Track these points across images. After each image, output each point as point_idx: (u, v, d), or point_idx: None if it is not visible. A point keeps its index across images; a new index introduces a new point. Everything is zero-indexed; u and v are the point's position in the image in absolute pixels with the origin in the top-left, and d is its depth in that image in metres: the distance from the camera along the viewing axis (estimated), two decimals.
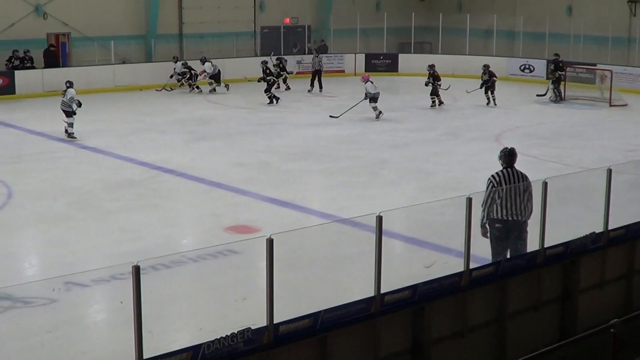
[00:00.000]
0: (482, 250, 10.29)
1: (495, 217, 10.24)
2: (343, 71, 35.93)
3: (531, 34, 35.80)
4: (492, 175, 10.44)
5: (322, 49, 36.61)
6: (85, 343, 9.68)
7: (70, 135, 21.51)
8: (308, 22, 38.31)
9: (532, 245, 10.09)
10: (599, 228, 10.54)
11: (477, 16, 36.59)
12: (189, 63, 30.95)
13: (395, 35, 38.58)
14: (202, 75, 30.53)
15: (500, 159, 10.58)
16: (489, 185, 10.35)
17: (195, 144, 21.32)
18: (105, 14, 32.74)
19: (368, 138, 22.21)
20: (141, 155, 19.58)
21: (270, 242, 7.28)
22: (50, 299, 10.34)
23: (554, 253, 9.94)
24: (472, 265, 9.12)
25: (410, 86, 29.58)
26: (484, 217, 10.26)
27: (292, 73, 34.63)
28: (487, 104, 27.44)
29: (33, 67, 30.22)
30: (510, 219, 10.22)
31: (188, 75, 30.58)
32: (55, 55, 31.53)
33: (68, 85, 21.72)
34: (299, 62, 35.53)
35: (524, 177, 10.47)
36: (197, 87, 30.64)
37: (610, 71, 28.84)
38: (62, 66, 31.41)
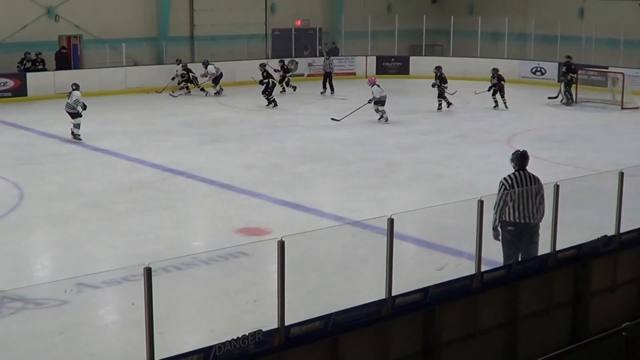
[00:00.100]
0: (494, 253, 10.28)
1: (508, 220, 10.22)
2: (354, 73, 35.89)
3: (543, 37, 35.71)
4: (505, 178, 10.42)
5: (333, 51, 36.60)
6: (97, 344, 9.70)
7: (75, 136, 21.59)
8: (319, 25, 38.29)
9: (544, 248, 10.08)
10: (610, 231, 10.51)
11: (488, 19, 36.53)
12: (188, 65, 30.94)
13: (406, 38, 38.52)
14: (206, 77, 30.50)
15: (512, 161, 10.57)
16: (501, 187, 10.33)
17: (207, 146, 21.35)
18: (117, 16, 32.80)
19: (379, 140, 22.19)
20: (153, 157, 19.61)
21: (281, 245, 7.29)
22: (62, 300, 10.38)
23: (566, 256, 9.92)
24: (483, 268, 9.11)
25: (422, 89, 29.53)
26: (496, 219, 10.24)
27: (303, 75, 34.78)
28: (494, 107, 27.37)
29: (45, 69, 30.30)
30: (522, 221, 10.20)
31: (186, 78, 30.58)
32: (67, 57, 31.62)
33: (74, 87, 21.85)
34: (310, 65, 35.54)
35: (536, 180, 10.45)
36: (202, 90, 30.67)
37: (622, 74, 28.73)
38: (74, 68, 31.52)
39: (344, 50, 37.64)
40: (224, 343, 7.02)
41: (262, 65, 28.37)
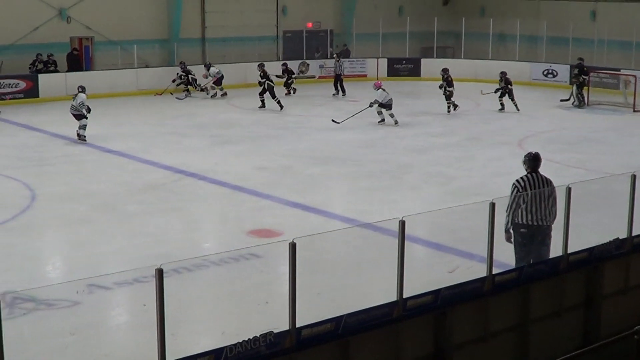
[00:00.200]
0: (505, 256, 10.27)
1: (520, 222, 10.20)
2: (365, 75, 35.85)
3: (554, 39, 35.60)
4: (517, 180, 10.40)
5: (345, 53, 36.62)
6: (108, 345, 9.71)
7: (81, 137, 21.67)
8: (330, 27, 38.30)
9: (556, 251, 10.06)
10: (622, 234, 10.48)
11: (499, 21, 36.48)
12: (188, 67, 30.95)
13: (417, 40, 38.50)
14: (208, 79, 30.52)
15: (524, 163, 10.55)
16: (513, 190, 10.32)
17: (218, 148, 21.37)
18: (129, 18, 32.88)
19: (390, 142, 22.18)
20: (164, 159, 19.65)
21: (293, 246, 7.29)
22: (74, 301, 10.41)
23: (578, 259, 9.91)
24: (494, 271, 9.09)
25: (433, 91, 29.41)
26: (508, 222, 10.23)
27: (314, 77, 34.81)
28: (500, 109, 27.29)
29: (56, 71, 30.40)
30: (535, 223, 10.18)
31: (185, 80, 30.60)
32: (79, 59, 31.71)
33: (80, 90, 21.99)
34: (321, 67, 35.56)
35: (548, 182, 10.43)
36: (202, 90, 30.76)
37: (634, 76, 28.63)
38: (85, 70, 31.61)
39: (355, 52, 37.63)
40: (235, 344, 7.03)
41: (260, 66, 28.28)
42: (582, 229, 10.72)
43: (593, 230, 11.83)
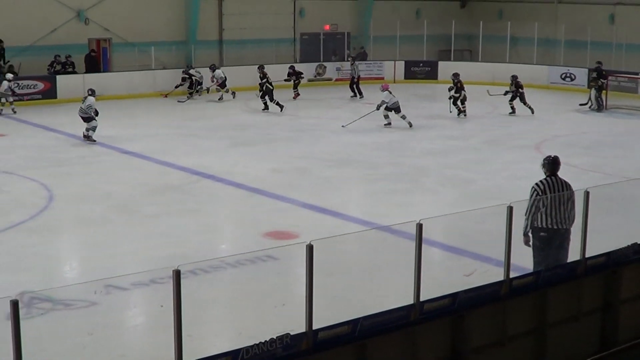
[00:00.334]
0: (522, 260, 10.22)
1: (539, 226, 10.17)
2: (382, 78, 35.77)
3: (573, 42, 35.49)
4: (536, 184, 10.37)
5: (362, 56, 36.65)
6: (125, 346, 9.74)
7: (89, 138, 21.77)
8: (348, 29, 38.29)
9: (573, 255, 10.01)
10: None
11: (518, 24, 36.39)
12: (190, 70, 31.02)
13: (435, 43, 38.47)
14: (213, 82, 30.56)
15: (543, 167, 10.52)
16: (533, 193, 10.28)
17: (234, 150, 21.40)
18: (146, 20, 33.00)
19: (407, 145, 22.16)
20: (181, 161, 19.69)
21: (310, 248, 7.28)
22: (91, 301, 10.45)
23: (596, 263, 9.84)
24: (512, 275, 9.06)
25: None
26: (527, 225, 10.19)
27: (331, 80, 34.86)
28: (510, 113, 27.20)
29: (74, 72, 30.55)
30: (554, 227, 10.15)
31: (189, 82, 30.66)
32: (96, 60, 31.85)
33: (90, 93, 22.19)
34: (338, 69, 35.59)
35: (567, 186, 10.39)
36: (203, 91, 30.86)
37: None
38: (103, 71, 31.75)
39: (373, 54, 37.64)
40: (251, 346, 7.03)
41: (260, 68, 28.26)
42: (600, 233, 10.67)
43: (611, 234, 11.77)
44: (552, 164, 10.46)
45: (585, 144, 22.52)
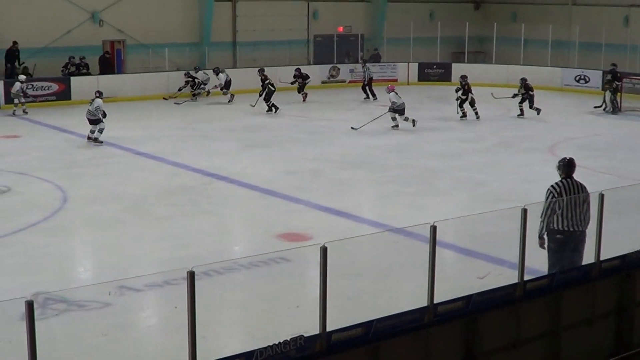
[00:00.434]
0: (536, 262, 10.20)
1: (555, 228, 10.14)
2: (396, 80, 35.71)
3: (587, 44, 35.36)
4: (552, 186, 10.34)
5: (375, 58, 36.63)
6: (139, 347, 9.76)
7: (96, 140, 21.84)
8: (361, 31, 38.24)
9: (588, 258, 9.98)
10: None
11: (532, 26, 36.28)
12: (194, 72, 31.03)
13: (448, 45, 38.41)
14: (216, 85, 30.59)
15: (558, 169, 10.48)
16: (548, 195, 10.25)
17: (247, 152, 21.42)
18: (160, 22, 33.09)
19: (420, 147, 22.14)
20: (194, 162, 19.72)
21: (324, 250, 7.28)
22: (104, 302, 10.47)
23: (610, 266, 9.81)
24: (526, 277, 9.04)
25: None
26: (542, 227, 10.16)
27: (345, 81, 34.87)
28: (519, 115, 27.13)
29: (88, 74, 30.64)
30: (570, 229, 10.12)
31: (191, 84, 30.69)
32: (110, 62, 31.96)
33: (97, 95, 22.22)
34: (351, 71, 35.57)
35: (582, 188, 10.36)
36: (204, 93, 30.93)
37: None
38: (117, 73, 31.86)
39: (386, 56, 37.60)
40: (265, 348, 7.04)
41: (261, 71, 28.29)
42: (615, 236, 10.62)
43: (625, 237, 11.71)
44: (567, 166, 10.42)
45: (600, 146, 22.43)
